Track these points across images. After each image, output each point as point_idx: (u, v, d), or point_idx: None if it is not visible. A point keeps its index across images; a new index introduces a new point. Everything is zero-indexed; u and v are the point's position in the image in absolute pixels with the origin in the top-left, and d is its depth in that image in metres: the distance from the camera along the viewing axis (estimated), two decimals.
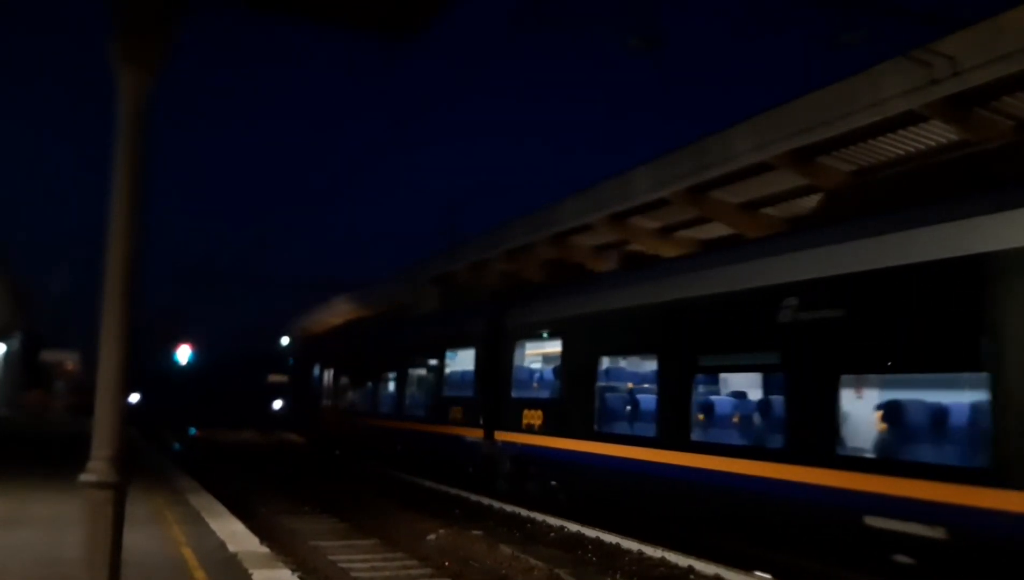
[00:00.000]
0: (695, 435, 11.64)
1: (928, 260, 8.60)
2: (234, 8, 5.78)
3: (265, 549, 9.59)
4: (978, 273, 8.08)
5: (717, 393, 12.74)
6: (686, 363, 12.01)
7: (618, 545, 12.42)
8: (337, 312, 47.67)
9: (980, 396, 8.20)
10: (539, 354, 16.87)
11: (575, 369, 14.71)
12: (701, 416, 11.98)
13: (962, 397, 8.85)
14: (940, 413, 9.10)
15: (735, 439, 11.60)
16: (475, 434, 17.75)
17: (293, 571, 8.86)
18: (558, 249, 25.64)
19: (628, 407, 13.85)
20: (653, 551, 11.78)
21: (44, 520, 10.72)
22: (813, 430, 9.65)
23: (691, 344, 12.01)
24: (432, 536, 13.17)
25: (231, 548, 9.33)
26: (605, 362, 14.30)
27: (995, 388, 7.86)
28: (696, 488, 11.28)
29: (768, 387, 11.66)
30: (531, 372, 17.05)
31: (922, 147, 15.27)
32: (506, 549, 11.98)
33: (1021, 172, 9.45)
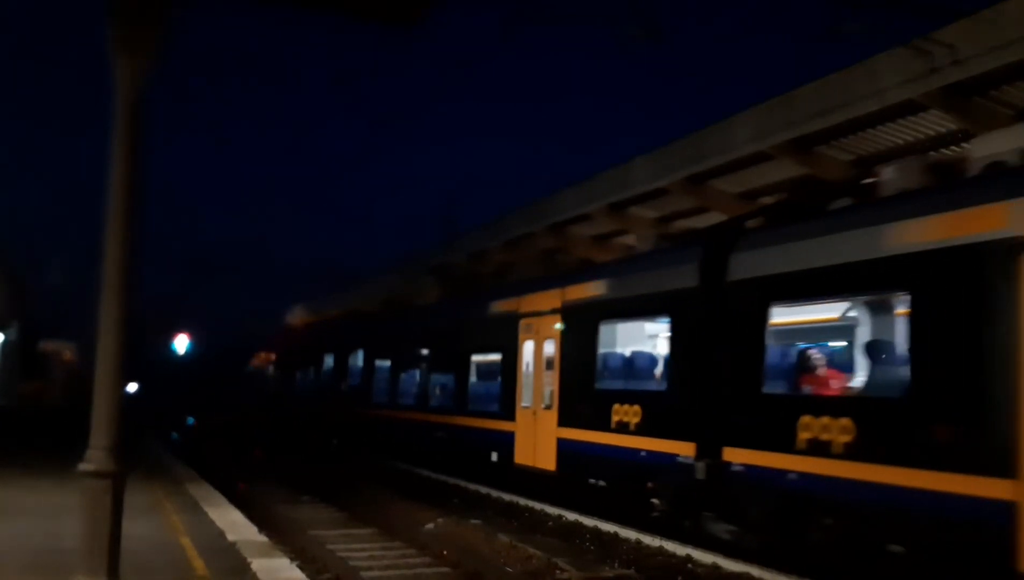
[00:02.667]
0: (401, 401, 22.28)
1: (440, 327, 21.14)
2: None
3: (264, 538, 9.59)
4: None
5: (409, 380, 22.54)
6: (399, 366, 23.03)
7: (616, 534, 12.45)
8: (290, 319, 54.63)
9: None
10: (361, 357, 26.74)
11: (367, 366, 25.78)
12: (402, 392, 22.49)
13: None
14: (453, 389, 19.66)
15: (411, 402, 21.65)
16: (347, 413, 26.84)
17: (292, 560, 8.87)
18: (557, 239, 25.62)
19: (385, 390, 23.68)
20: (651, 540, 11.81)
21: (43, 509, 10.72)
22: (425, 397, 21.04)
23: (406, 356, 22.72)
24: (430, 525, 13.22)
25: (230, 537, 9.34)
26: (378, 363, 24.89)
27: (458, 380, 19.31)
28: (409, 427, 21.36)
29: (419, 376, 21.77)
30: (358, 369, 26.72)
31: (921, 136, 15.25)
32: (504, 538, 12.02)
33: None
